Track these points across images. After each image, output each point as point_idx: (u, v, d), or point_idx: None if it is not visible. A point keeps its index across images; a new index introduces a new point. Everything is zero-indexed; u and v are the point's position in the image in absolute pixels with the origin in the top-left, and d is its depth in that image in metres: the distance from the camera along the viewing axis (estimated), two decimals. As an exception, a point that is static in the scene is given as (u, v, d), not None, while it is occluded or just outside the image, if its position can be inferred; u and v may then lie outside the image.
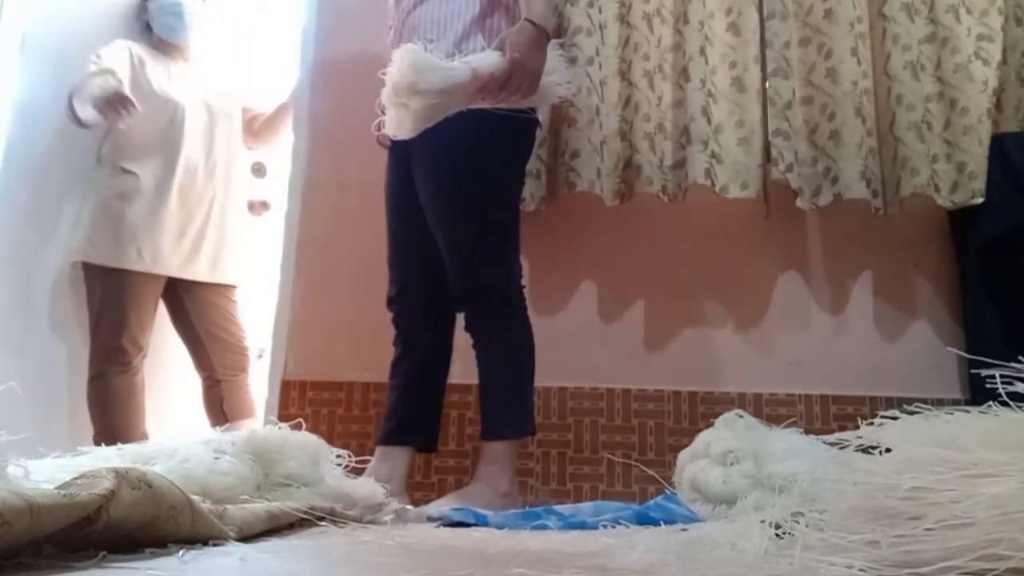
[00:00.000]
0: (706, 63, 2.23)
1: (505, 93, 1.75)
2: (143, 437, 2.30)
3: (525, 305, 1.90)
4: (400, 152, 1.93)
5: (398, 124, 1.79)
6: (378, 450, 1.89)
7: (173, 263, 2.47)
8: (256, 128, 2.72)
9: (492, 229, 1.87)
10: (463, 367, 2.03)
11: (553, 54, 1.88)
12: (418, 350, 1.95)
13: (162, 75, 2.56)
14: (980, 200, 2.17)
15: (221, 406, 2.50)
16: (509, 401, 1.87)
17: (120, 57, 2.49)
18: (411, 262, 1.96)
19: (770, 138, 2.23)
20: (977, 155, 2.18)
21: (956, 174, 2.18)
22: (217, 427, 1.83)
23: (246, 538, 1.03)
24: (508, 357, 1.88)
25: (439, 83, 1.73)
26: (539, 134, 2.21)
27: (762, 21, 2.29)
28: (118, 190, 2.42)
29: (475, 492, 1.76)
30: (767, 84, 2.27)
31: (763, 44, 2.29)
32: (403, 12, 1.95)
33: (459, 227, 1.86)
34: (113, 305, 2.39)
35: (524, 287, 1.91)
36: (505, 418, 1.85)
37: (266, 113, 2.72)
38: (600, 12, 2.27)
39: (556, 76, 1.90)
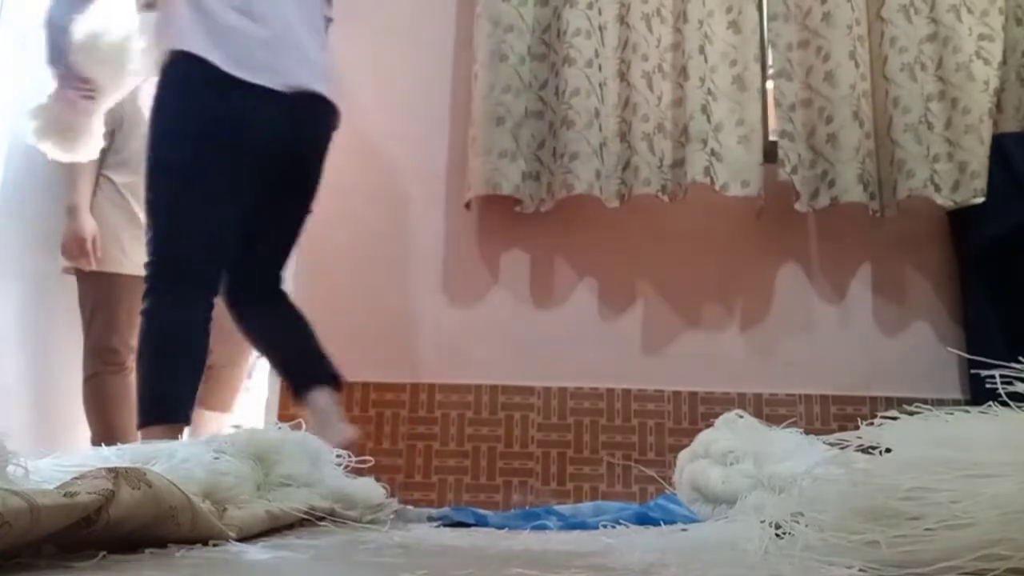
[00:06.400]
0: (706, 61, 2.23)
1: None
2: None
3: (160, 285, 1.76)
4: None
5: None
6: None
7: None
8: None
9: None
10: (462, 367, 2.03)
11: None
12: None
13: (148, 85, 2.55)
14: (981, 199, 2.17)
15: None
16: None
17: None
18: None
19: (777, 139, 2.23)
20: (978, 154, 2.18)
21: (958, 173, 2.19)
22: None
23: (246, 538, 1.03)
24: None
25: None
26: (539, 135, 2.22)
27: (763, 20, 2.30)
28: (99, 196, 2.44)
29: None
30: (772, 85, 2.27)
31: (763, 44, 2.29)
32: None
33: None
34: (103, 307, 2.40)
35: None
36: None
37: None
38: (600, 14, 2.26)
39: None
